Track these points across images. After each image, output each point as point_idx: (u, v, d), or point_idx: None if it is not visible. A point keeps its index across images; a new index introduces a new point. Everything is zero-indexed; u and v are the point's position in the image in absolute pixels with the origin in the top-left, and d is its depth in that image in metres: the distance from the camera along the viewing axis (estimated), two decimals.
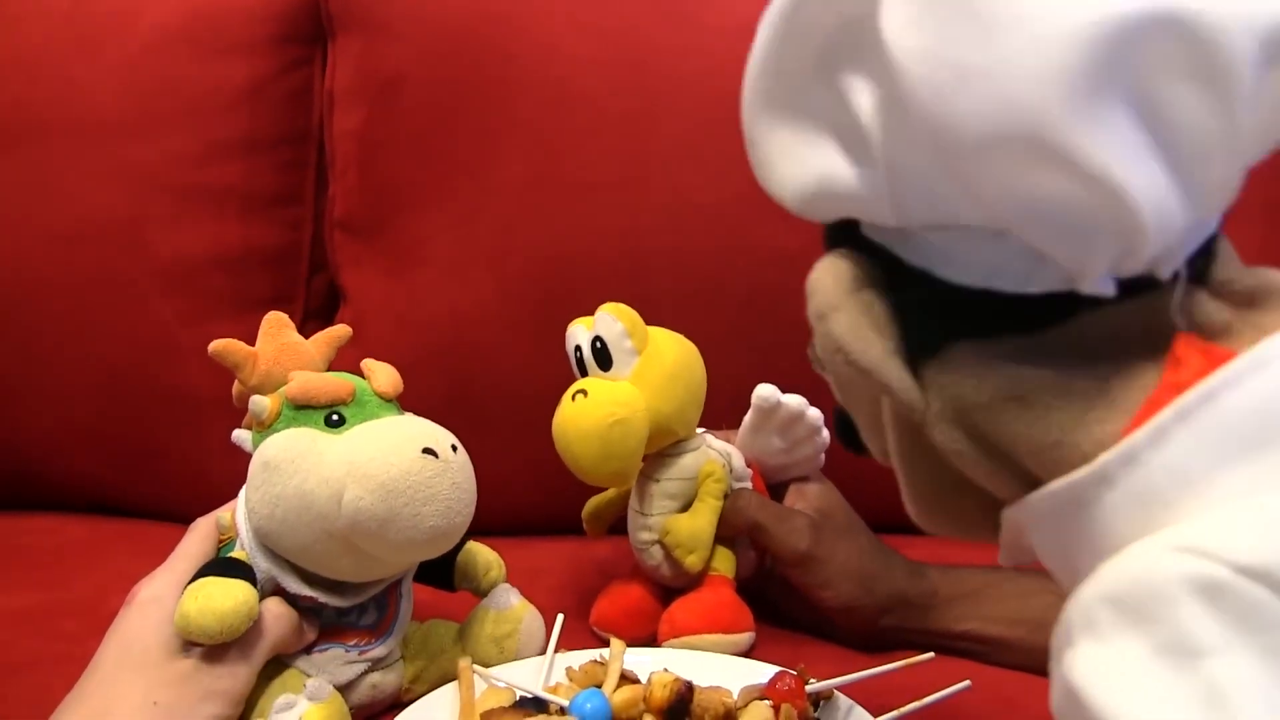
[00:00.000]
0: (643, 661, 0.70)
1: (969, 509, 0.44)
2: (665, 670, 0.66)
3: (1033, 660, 0.73)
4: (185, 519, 1.07)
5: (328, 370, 0.72)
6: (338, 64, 1.08)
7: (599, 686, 0.66)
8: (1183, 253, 0.39)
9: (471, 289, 1.02)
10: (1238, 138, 0.35)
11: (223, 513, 0.69)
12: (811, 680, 0.66)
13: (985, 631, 0.77)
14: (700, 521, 0.80)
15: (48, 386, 1.10)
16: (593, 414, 0.75)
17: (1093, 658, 0.34)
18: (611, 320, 0.77)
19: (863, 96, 0.38)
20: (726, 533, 0.81)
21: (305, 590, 0.66)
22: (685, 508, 0.81)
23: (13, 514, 1.12)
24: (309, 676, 0.66)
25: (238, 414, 0.72)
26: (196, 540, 0.68)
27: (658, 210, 0.98)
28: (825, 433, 0.84)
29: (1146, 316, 0.39)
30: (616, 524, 0.87)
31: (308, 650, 0.67)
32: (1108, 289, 0.37)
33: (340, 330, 0.75)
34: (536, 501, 1.01)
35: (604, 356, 0.77)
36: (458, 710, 0.67)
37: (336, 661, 0.67)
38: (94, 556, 1.02)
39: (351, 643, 0.68)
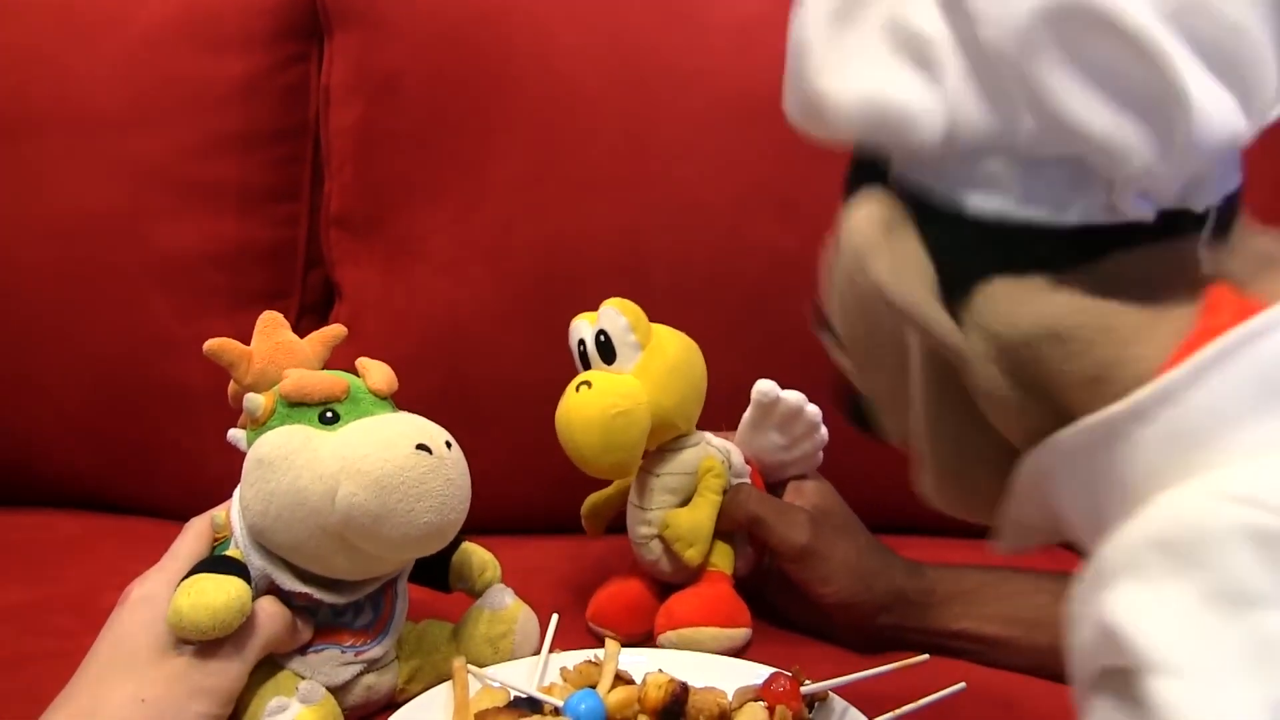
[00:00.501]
0: (637, 662, 0.70)
1: (988, 484, 0.44)
2: (660, 671, 0.66)
3: (1028, 659, 0.74)
4: (178, 515, 1.06)
5: (323, 369, 0.72)
6: (334, 60, 1.08)
7: (593, 687, 0.66)
8: (1216, 185, 0.40)
9: (468, 286, 1.02)
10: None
11: (217, 512, 0.69)
12: (806, 681, 0.66)
13: (981, 630, 0.77)
14: (700, 515, 0.80)
15: (41, 380, 1.10)
16: (596, 404, 0.75)
17: (1137, 599, 0.34)
18: (616, 314, 0.78)
19: (925, 7, 0.39)
20: (726, 527, 0.82)
21: (300, 587, 0.65)
22: (684, 503, 0.81)
23: (4, 509, 1.11)
24: (302, 678, 0.65)
25: (232, 410, 0.72)
26: (190, 539, 0.67)
27: (656, 208, 0.97)
28: (824, 430, 0.84)
29: (1178, 258, 0.39)
30: (614, 523, 0.87)
31: (302, 651, 0.67)
32: (1146, 212, 0.38)
33: (335, 330, 0.75)
34: (533, 499, 1.01)
35: (608, 350, 0.78)
36: (452, 711, 0.67)
37: (331, 662, 0.67)
38: (86, 552, 1.01)
39: (347, 643, 0.68)
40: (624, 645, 0.72)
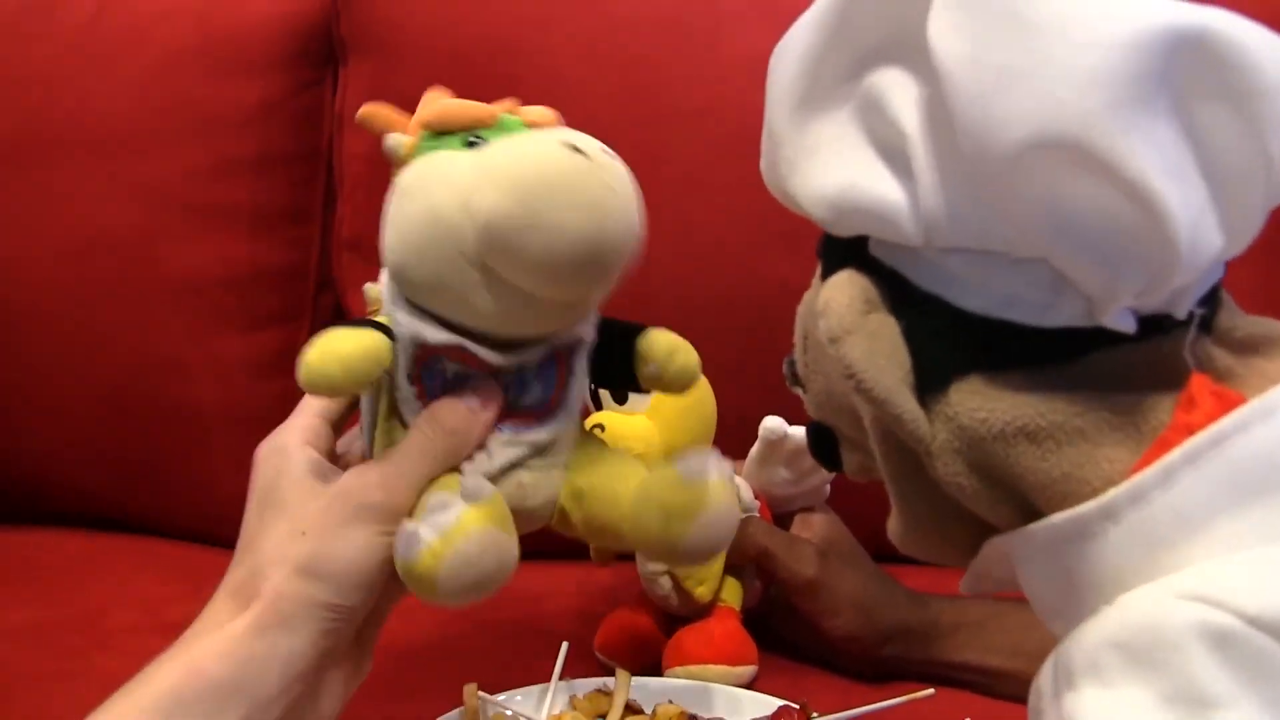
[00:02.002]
0: (648, 691, 0.70)
1: (958, 536, 0.43)
2: (670, 702, 0.66)
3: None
4: (189, 535, 1.07)
5: None
6: (349, 86, 1.09)
7: (603, 716, 0.66)
8: (1200, 290, 0.39)
9: None
10: (1270, 169, 0.35)
11: (372, 285, 0.59)
12: (814, 715, 0.66)
13: (985, 662, 0.77)
14: None
15: (53, 400, 1.10)
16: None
17: (1097, 703, 0.34)
18: None
19: (904, 102, 0.38)
20: (735, 561, 0.81)
21: (448, 338, 0.52)
22: None
23: (14, 528, 1.12)
24: (459, 471, 0.53)
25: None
26: (310, 399, 0.59)
27: (664, 240, 0.97)
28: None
29: (1160, 356, 0.39)
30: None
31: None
32: (1129, 325, 0.37)
33: (508, 104, 0.61)
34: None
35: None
36: None
37: (493, 443, 0.54)
38: (96, 571, 1.01)
39: (509, 424, 0.54)
40: (634, 674, 0.72)
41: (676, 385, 0.60)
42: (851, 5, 0.39)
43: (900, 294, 0.40)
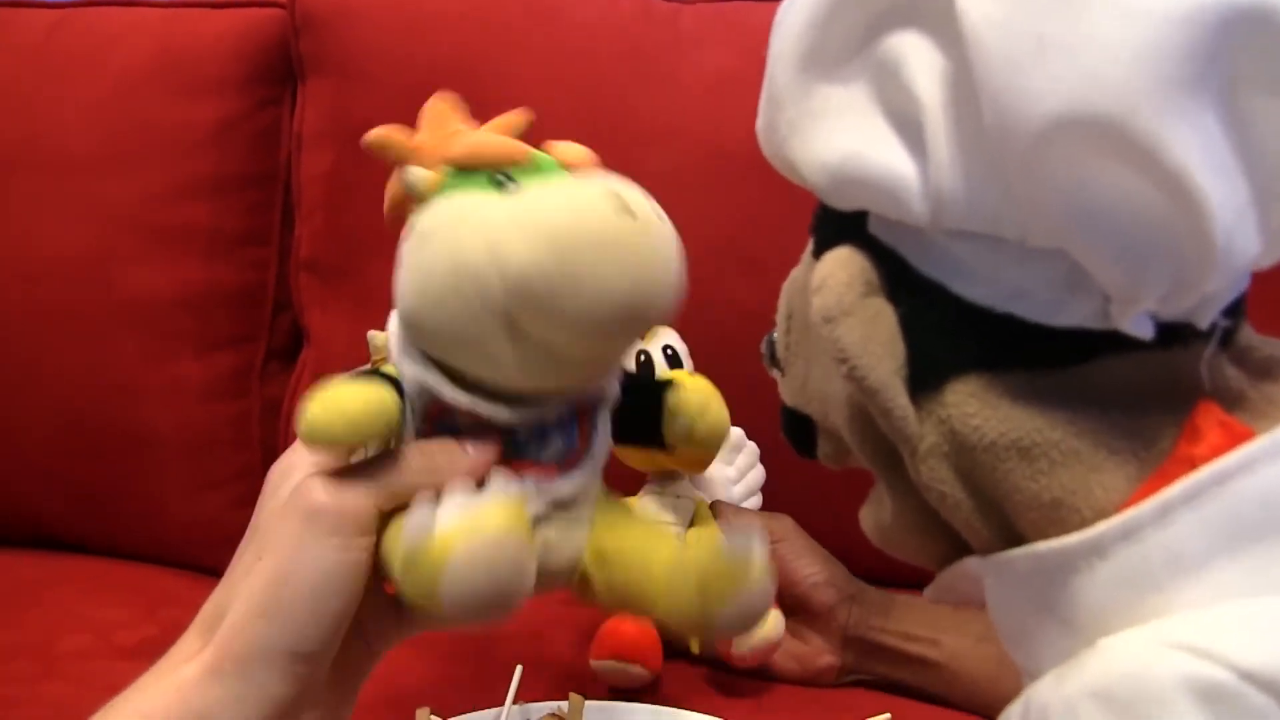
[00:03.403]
0: (602, 716, 0.70)
1: (932, 546, 0.41)
2: None
3: (978, 668, 0.77)
4: (142, 558, 1.05)
5: None
6: (307, 107, 1.09)
7: None
8: (1226, 300, 0.36)
9: None
10: None
11: (377, 332, 0.55)
12: None
13: (937, 636, 0.80)
14: None
15: (5, 422, 1.09)
16: (708, 385, 0.75)
17: None
18: (676, 336, 0.86)
19: (921, 67, 0.35)
20: None
21: (462, 398, 0.48)
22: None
23: None
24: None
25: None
26: None
27: None
28: (761, 467, 0.90)
29: (1173, 370, 0.36)
30: None
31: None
32: (1146, 330, 0.34)
33: (519, 115, 0.58)
34: None
35: (676, 362, 0.85)
36: None
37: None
38: (47, 595, 1.00)
39: (530, 476, 0.49)
40: (586, 698, 0.72)
41: (708, 443, 0.55)
42: None
43: (899, 279, 0.37)
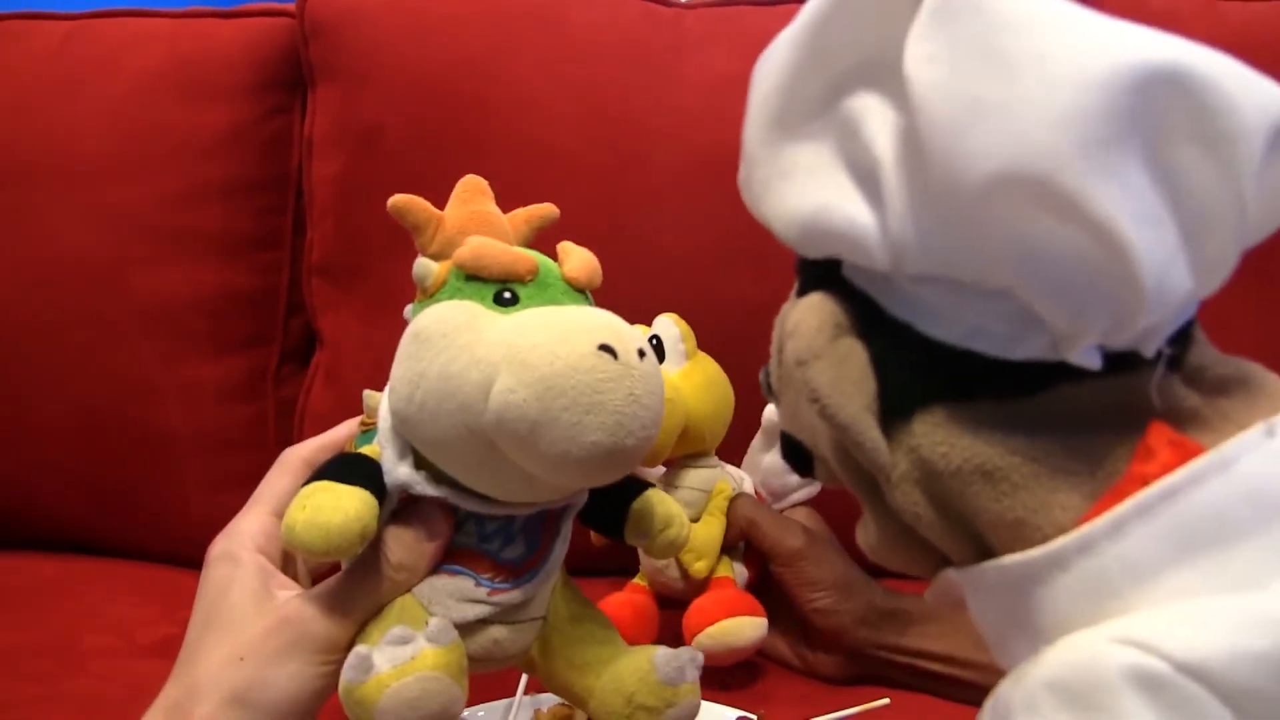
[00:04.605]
0: None
1: (919, 559, 0.43)
2: None
3: (996, 680, 0.76)
4: (160, 558, 1.07)
5: None
6: (317, 112, 1.10)
7: None
8: (1169, 330, 0.38)
9: None
10: (1243, 213, 0.34)
11: (373, 393, 0.58)
12: None
13: (951, 652, 0.80)
14: (711, 531, 0.83)
15: (24, 425, 1.11)
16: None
17: None
18: (671, 324, 0.84)
19: (877, 128, 0.37)
20: (727, 535, 0.85)
21: (433, 491, 0.53)
22: (695, 521, 0.84)
23: None
24: (425, 609, 0.53)
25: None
26: (279, 477, 0.59)
27: (628, 261, 0.99)
28: None
29: (1124, 395, 0.38)
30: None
31: (433, 569, 0.55)
32: (1094, 361, 0.37)
33: (546, 209, 0.63)
34: None
35: (658, 352, 0.83)
36: None
37: (458, 595, 0.54)
38: (68, 595, 1.02)
39: (485, 575, 0.54)
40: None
41: (661, 554, 0.62)
42: (829, 24, 0.38)
43: (871, 319, 0.40)
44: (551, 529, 0.57)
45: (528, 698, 0.73)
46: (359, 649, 0.49)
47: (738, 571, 0.85)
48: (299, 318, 1.15)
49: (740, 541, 0.85)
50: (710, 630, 0.79)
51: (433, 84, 1.04)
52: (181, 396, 1.07)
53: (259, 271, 1.12)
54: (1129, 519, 0.35)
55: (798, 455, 0.48)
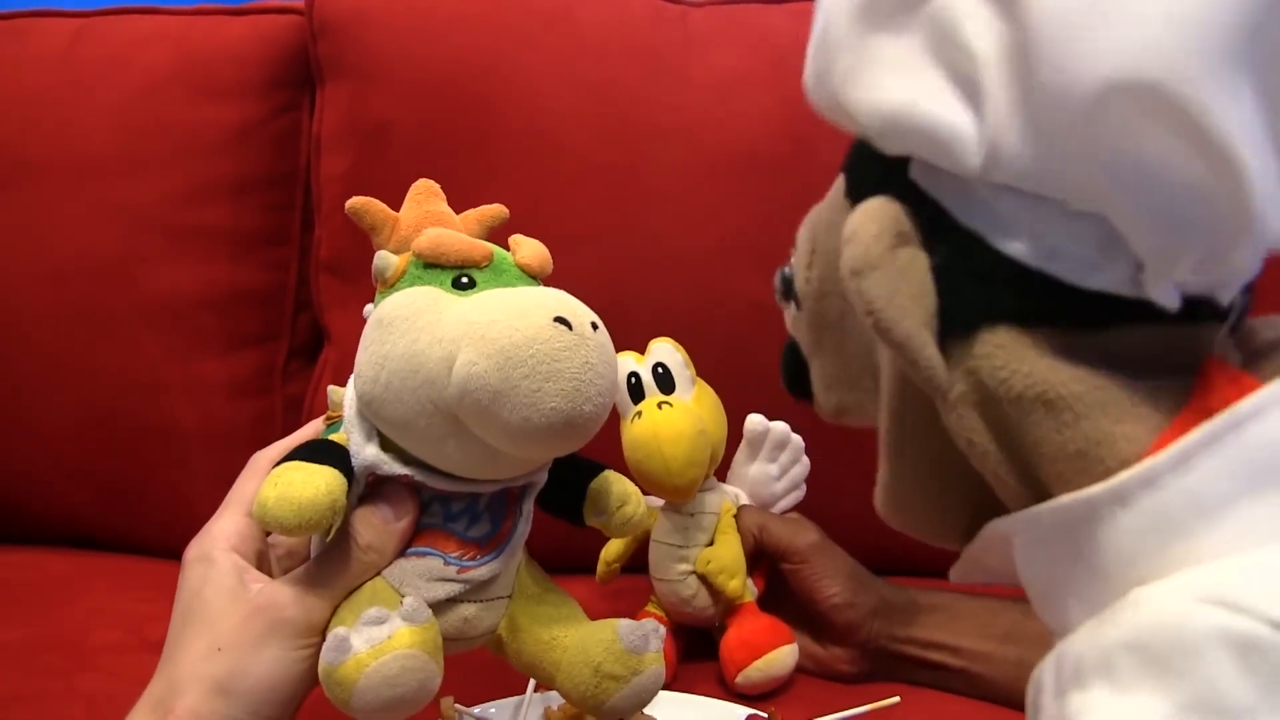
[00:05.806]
0: None
1: (955, 512, 0.42)
2: (640, 713, 0.67)
3: (1001, 670, 0.77)
4: (168, 554, 1.07)
5: None
6: (325, 110, 1.10)
7: None
8: (1248, 275, 0.37)
9: None
10: None
11: (336, 388, 0.59)
12: None
13: (959, 643, 0.80)
14: (736, 550, 0.83)
15: (34, 421, 1.11)
16: (685, 419, 0.78)
17: (1109, 707, 0.32)
18: (671, 350, 0.83)
19: (980, 27, 0.35)
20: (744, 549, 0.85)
21: (401, 470, 0.55)
22: (710, 543, 0.84)
23: None
24: (397, 591, 0.55)
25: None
26: (248, 479, 0.61)
27: (637, 258, 0.99)
28: (805, 458, 0.89)
29: (1188, 342, 0.37)
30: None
31: (401, 550, 0.56)
32: (1172, 300, 0.35)
33: (496, 209, 0.66)
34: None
35: (666, 381, 0.81)
36: None
37: (428, 575, 0.55)
38: (76, 591, 1.02)
39: (453, 553, 0.56)
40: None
41: (618, 533, 0.64)
42: None
43: (936, 226, 0.38)
44: (514, 508, 0.59)
45: (538, 695, 0.73)
46: (336, 631, 0.51)
47: (750, 588, 0.85)
48: (307, 314, 1.15)
49: (753, 553, 0.85)
50: (757, 664, 0.80)
51: (441, 81, 1.04)
52: (190, 393, 1.08)
53: (267, 268, 1.12)
54: (1195, 451, 0.34)
55: (797, 371, 0.48)
